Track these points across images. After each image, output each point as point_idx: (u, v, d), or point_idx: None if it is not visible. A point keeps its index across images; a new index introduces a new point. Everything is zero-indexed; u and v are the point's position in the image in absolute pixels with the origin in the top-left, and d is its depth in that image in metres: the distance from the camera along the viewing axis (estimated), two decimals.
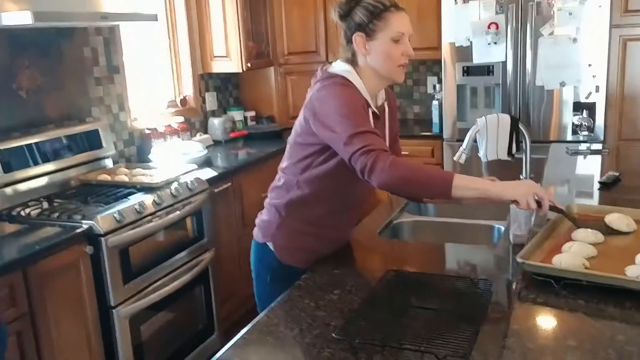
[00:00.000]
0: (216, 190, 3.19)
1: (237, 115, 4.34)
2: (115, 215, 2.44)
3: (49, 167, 2.80)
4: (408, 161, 1.68)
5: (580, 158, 3.06)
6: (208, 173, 3.22)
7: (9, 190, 2.61)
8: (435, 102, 4.21)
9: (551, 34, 3.58)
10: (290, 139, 1.87)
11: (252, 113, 4.46)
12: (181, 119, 3.88)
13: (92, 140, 3.05)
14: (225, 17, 3.93)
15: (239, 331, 1.44)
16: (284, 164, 1.91)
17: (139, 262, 2.57)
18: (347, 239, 1.99)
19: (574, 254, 1.60)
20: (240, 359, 1.33)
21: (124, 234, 2.45)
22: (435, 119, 4.17)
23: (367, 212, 2.33)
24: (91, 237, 2.36)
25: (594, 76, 3.57)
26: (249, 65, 4.01)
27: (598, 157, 3.07)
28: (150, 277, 2.64)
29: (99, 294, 2.41)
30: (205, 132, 4.12)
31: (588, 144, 3.30)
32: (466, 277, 1.64)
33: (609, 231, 1.78)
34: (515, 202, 1.57)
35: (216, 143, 4.07)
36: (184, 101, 3.99)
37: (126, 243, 2.47)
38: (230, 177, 3.38)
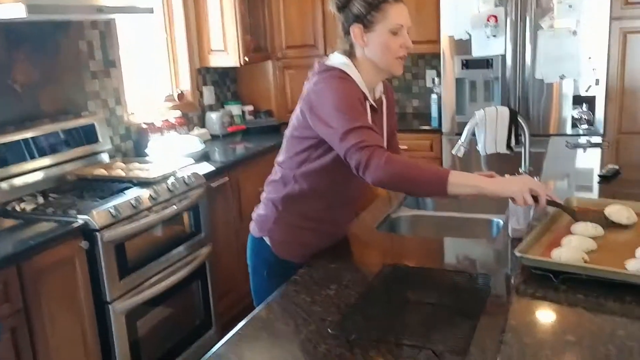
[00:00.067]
0: (213, 185, 3.18)
1: (234, 109, 4.31)
2: (110, 210, 2.42)
3: (45, 161, 2.78)
4: (403, 158, 1.66)
5: (579, 151, 3.04)
6: (205, 167, 3.20)
7: (4, 185, 2.59)
8: (434, 96, 4.18)
9: (551, 26, 3.56)
10: (287, 132, 1.85)
11: (250, 107, 4.44)
12: (178, 113, 3.86)
13: (88, 135, 3.02)
14: (222, 10, 3.91)
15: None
16: (280, 157, 1.89)
17: (135, 257, 2.55)
18: (344, 234, 1.98)
19: (574, 248, 1.58)
20: (234, 355, 1.32)
21: (120, 229, 2.43)
22: (434, 112, 4.15)
23: (365, 206, 2.31)
24: (86, 232, 2.35)
25: (593, 69, 3.55)
26: (246, 59, 3.98)
27: (598, 151, 3.05)
28: (146, 272, 2.62)
29: (94, 289, 2.40)
30: (203, 126, 4.10)
31: (588, 138, 3.28)
32: (464, 272, 1.63)
33: (609, 224, 1.76)
34: (512, 198, 1.56)
35: (214, 137, 4.04)
36: (181, 95, 3.96)
37: (122, 238, 2.45)
38: (228, 172, 3.36)
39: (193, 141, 3.51)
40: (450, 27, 3.78)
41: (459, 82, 3.86)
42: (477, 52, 3.74)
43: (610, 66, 3.57)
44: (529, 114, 3.72)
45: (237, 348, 1.34)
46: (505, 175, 1.88)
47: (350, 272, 1.70)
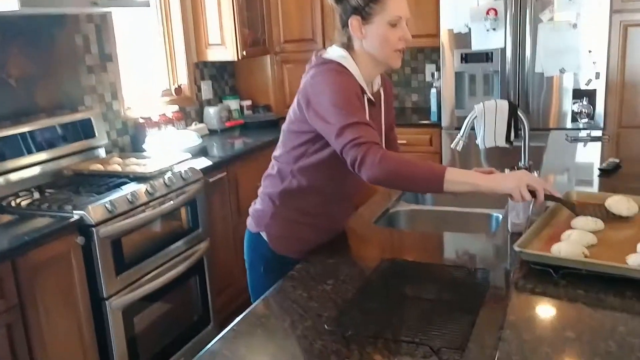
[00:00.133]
0: (211, 180, 3.16)
1: (233, 104, 4.29)
2: (106, 205, 2.40)
3: (41, 156, 2.76)
4: (399, 155, 1.64)
5: (580, 145, 3.02)
6: (203, 162, 3.18)
7: (0, 180, 2.57)
8: (433, 90, 4.16)
9: (551, 19, 3.53)
10: (284, 126, 1.83)
11: (248, 102, 4.41)
12: (176, 108, 3.83)
13: (84, 130, 3.00)
14: (219, 3, 3.87)
15: None
16: (277, 152, 1.87)
17: (132, 252, 2.53)
18: (342, 228, 1.96)
19: (574, 243, 1.56)
20: (229, 351, 1.30)
21: (116, 225, 2.42)
22: (434, 107, 4.13)
23: (363, 201, 2.29)
24: (82, 227, 2.33)
25: (594, 63, 3.53)
26: (244, 53, 3.95)
27: (598, 145, 3.03)
28: (143, 268, 2.60)
29: (90, 285, 2.38)
30: (201, 121, 4.08)
31: (588, 131, 3.26)
32: (463, 267, 1.61)
33: (609, 216, 1.74)
34: (510, 195, 1.54)
35: (212, 132, 4.02)
36: (178, 90, 3.93)
37: (118, 233, 2.44)
38: (226, 167, 3.34)
39: (191, 136, 3.48)
40: (450, 20, 3.76)
41: (458, 76, 3.84)
42: (477, 45, 3.71)
43: (611, 59, 3.55)
44: (529, 107, 3.70)
45: (232, 345, 1.32)
46: (505, 170, 1.87)
47: (348, 267, 1.69)
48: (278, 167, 1.84)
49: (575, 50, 3.53)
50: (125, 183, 2.68)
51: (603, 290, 1.40)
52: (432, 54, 4.47)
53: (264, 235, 1.87)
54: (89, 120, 3.03)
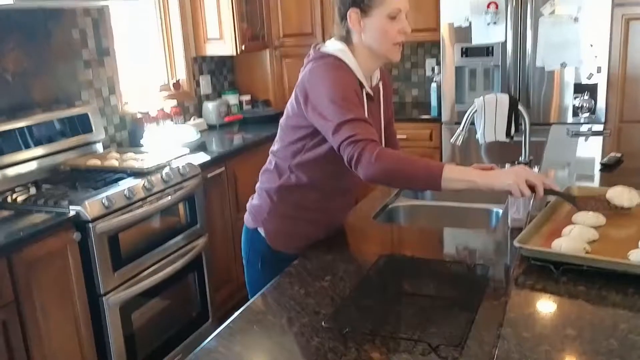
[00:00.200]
0: (209, 175, 3.14)
1: (232, 99, 4.26)
2: (103, 200, 2.38)
3: (37, 151, 2.74)
4: (396, 152, 1.62)
5: (581, 140, 2.99)
6: (201, 158, 3.16)
7: None
8: (433, 85, 4.13)
9: (552, 13, 3.50)
10: (282, 121, 1.81)
11: (248, 97, 4.39)
12: (174, 102, 3.81)
13: (81, 125, 2.98)
14: None
15: None
16: (275, 147, 1.85)
17: (129, 248, 2.51)
18: (340, 224, 1.94)
19: (575, 238, 1.54)
20: (224, 349, 1.28)
21: (113, 220, 2.40)
22: (434, 102, 4.10)
23: (362, 196, 2.27)
24: (79, 223, 2.31)
25: (595, 57, 3.50)
26: (243, 48, 3.93)
27: (599, 139, 3.01)
28: (141, 264, 2.58)
29: (87, 281, 2.36)
30: (200, 116, 4.05)
31: (589, 126, 3.24)
32: (462, 263, 1.60)
33: (611, 208, 1.72)
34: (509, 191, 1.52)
35: (210, 127, 4.00)
36: (177, 85, 3.91)
37: (115, 229, 2.42)
38: (224, 162, 3.32)
39: (189, 131, 3.46)
40: (450, 14, 3.73)
41: (458, 70, 3.81)
42: (477, 39, 3.69)
43: (612, 53, 3.52)
44: (530, 102, 3.68)
45: (227, 342, 1.30)
46: (506, 165, 1.84)
47: (346, 263, 1.67)
48: (276, 162, 1.82)
49: (577, 44, 3.50)
50: (122, 178, 2.65)
51: (604, 287, 1.38)
52: (432, 48, 4.44)
53: (261, 231, 1.85)
54: (86, 115, 3.01)
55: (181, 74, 3.95)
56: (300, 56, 1.78)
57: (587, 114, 3.55)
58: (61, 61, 3.00)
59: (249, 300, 1.52)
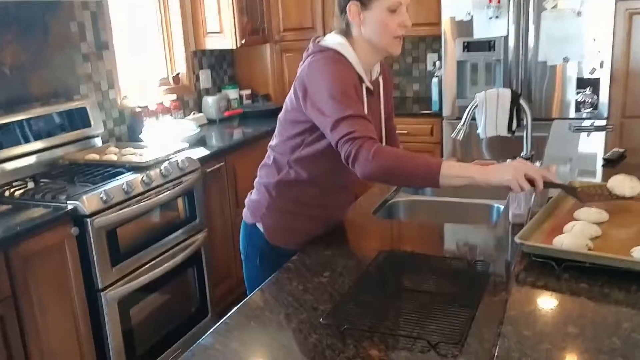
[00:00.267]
0: (209, 170, 3.12)
1: (232, 93, 4.24)
2: (101, 195, 2.37)
3: (36, 146, 2.72)
4: (394, 150, 1.60)
5: (583, 135, 2.96)
6: (200, 152, 3.14)
7: None
8: (434, 80, 4.11)
9: (554, 7, 3.48)
10: (281, 115, 1.79)
11: (248, 91, 4.37)
12: (174, 97, 3.79)
13: (80, 119, 2.96)
14: None
15: None
16: (274, 141, 1.83)
17: (128, 243, 2.50)
18: (340, 219, 1.92)
19: (577, 234, 1.52)
20: (221, 345, 1.26)
21: (111, 215, 2.38)
22: (435, 96, 4.08)
23: (362, 191, 2.25)
24: (76, 218, 2.29)
25: (598, 51, 3.48)
26: (243, 41, 3.90)
27: (602, 135, 2.98)
28: (140, 259, 2.57)
29: (85, 276, 2.35)
30: (199, 110, 4.03)
31: (592, 121, 3.21)
32: (463, 259, 1.58)
33: (612, 198, 1.69)
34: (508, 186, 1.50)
35: (210, 122, 3.98)
36: (176, 79, 3.89)
37: (113, 224, 2.40)
38: (224, 157, 3.30)
39: (189, 125, 3.44)
40: (452, 8, 3.71)
41: (460, 65, 3.79)
42: (479, 33, 3.66)
43: (615, 48, 3.49)
44: (532, 97, 3.65)
45: (224, 339, 1.28)
46: (507, 160, 1.82)
47: (345, 258, 1.65)
48: (274, 157, 1.81)
49: (579, 38, 3.47)
50: (121, 173, 2.63)
51: (607, 284, 1.36)
52: (434, 42, 4.41)
53: (259, 226, 1.83)
54: (85, 109, 2.99)
55: (181, 68, 3.93)
56: (301, 50, 1.76)
57: (589, 109, 3.52)
58: (59, 55, 2.98)
59: (247, 296, 1.51)
